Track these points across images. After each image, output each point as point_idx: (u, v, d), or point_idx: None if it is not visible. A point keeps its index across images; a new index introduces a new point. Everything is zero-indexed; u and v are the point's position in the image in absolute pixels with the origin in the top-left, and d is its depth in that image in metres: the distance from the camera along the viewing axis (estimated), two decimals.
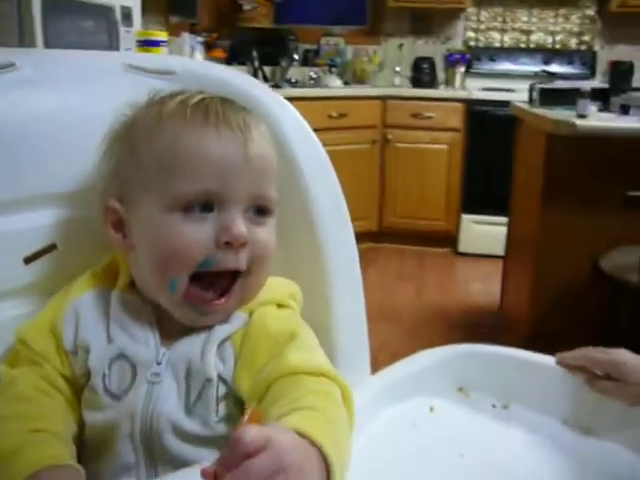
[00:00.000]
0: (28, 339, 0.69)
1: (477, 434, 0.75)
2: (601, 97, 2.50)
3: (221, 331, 0.67)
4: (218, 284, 0.66)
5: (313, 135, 0.86)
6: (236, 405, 0.66)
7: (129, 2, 2.42)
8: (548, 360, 0.81)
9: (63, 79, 0.78)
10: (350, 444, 0.59)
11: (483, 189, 3.94)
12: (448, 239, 4.13)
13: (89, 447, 0.67)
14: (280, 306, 0.71)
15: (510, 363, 0.83)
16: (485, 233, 3.94)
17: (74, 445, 0.65)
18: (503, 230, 2.96)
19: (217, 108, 0.66)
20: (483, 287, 3.48)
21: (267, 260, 0.68)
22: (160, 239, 0.65)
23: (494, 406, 0.80)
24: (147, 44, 2.40)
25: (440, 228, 4.13)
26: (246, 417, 0.48)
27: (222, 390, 0.66)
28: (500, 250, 3.00)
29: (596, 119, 2.18)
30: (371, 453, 0.70)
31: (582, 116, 2.15)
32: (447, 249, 4.15)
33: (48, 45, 1.88)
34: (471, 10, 4.46)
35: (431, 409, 0.79)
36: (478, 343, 0.88)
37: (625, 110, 2.31)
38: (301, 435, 0.51)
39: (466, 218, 4.06)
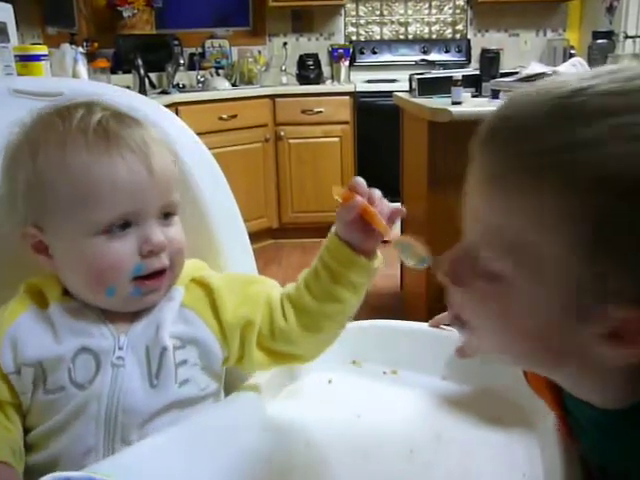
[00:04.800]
0: None
1: (371, 397, 0.84)
2: (474, 83, 2.67)
3: (168, 306, 0.77)
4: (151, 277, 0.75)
5: (197, 139, 0.92)
6: (204, 356, 0.77)
7: (2, 16, 2.37)
8: (424, 327, 0.91)
9: None
10: None
11: (376, 177, 3.98)
12: None
13: (51, 436, 0.72)
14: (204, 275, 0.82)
15: (395, 334, 0.92)
16: None
17: (14, 454, 0.69)
18: None
19: (115, 130, 0.71)
20: (384, 271, 3.57)
21: (182, 252, 0.77)
22: (88, 261, 0.72)
23: (384, 373, 0.89)
24: (26, 59, 2.36)
25: None
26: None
27: (179, 357, 0.74)
28: (398, 233, 3.12)
29: (470, 105, 2.33)
30: (277, 424, 0.78)
31: (457, 103, 2.30)
32: None
33: None
34: (350, 6, 4.60)
35: (329, 381, 0.87)
36: None
37: (495, 95, 2.47)
38: None
39: None
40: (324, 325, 0.76)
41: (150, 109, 0.90)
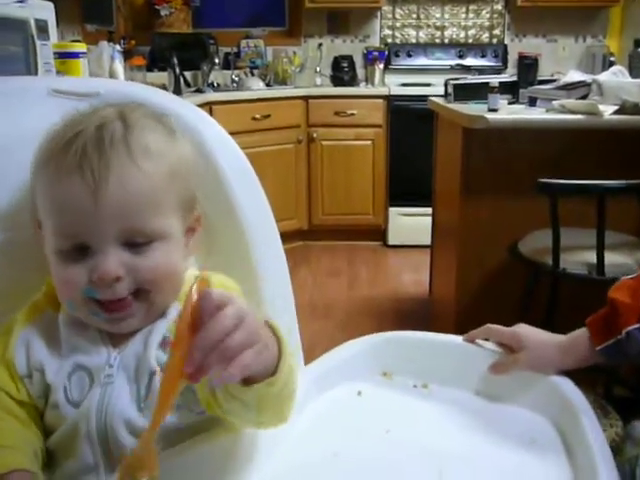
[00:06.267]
0: None
1: (401, 412, 0.83)
2: (511, 90, 2.64)
3: (160, 325, 0.72)
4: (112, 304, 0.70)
5: (233, 143, 0.91)
6: (182, 395, 0.71)
7: (44, 15, 2.39)
8: (458, 340, 0.89)
9: None
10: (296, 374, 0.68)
11: (408, 182, 4.06)
12: (377, 232, 4.24)
13: (55, 455, 0.71)
14: None
15: (427, 346, 0.90)
16: (413, 224, 4.06)
17: (36, 456, 0.69)
18: (430, 220, 3.07)
19: (86, 152, 0.67)
20: (413, 277, 3.59)
21: (162, 280, 0.70)
22: (52, 272, 0.71)
23: (415, 386, 0.88)
24: (65, 56, 2.38)
25: (369, 222, 4.23)
26: (195, 286, 0.55)
27: None
28: (428, 240, 3.11)
29: (506, 112, 2.30)
30: (306, 441, 0.77)
31: (493, 110, 2.27)
32: (377, 242, 4.26)
33: None
34: (386, 8, 4.58)
35: (359, 393, 0.86)
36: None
37: (532, 102, 2.44)
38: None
39: (393, 211, 4.18)
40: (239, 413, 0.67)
41: (184, 110, 0.89)
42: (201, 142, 0.86)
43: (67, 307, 0.73)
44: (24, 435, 0.70)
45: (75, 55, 2.40)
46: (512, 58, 4.37)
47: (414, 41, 4.65)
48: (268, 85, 4.41)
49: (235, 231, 0.87)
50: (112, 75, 3.21)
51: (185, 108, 0.92)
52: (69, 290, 0.69)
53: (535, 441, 0.76)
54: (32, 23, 2.33)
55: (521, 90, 2.58)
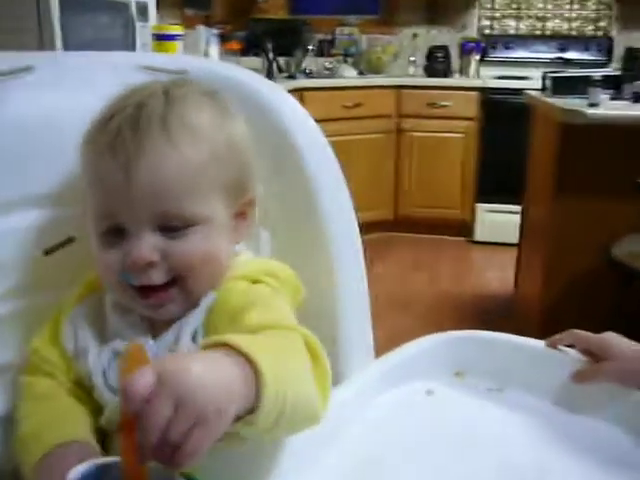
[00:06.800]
0: (38, 348, 0.73)
1: (472, 416, 0.79)
2: (615, 85, 2.51)
3: (192, 315, 0.68)
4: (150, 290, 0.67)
5: (315, 126, 0.89)
6: None
7: None
8: (539, 344, 0.84)
9: (78, 81, 0.82)
10: (303, 378, 0.58)
11: (498, 178, 3.94)
12: (464, 228, 4.15)
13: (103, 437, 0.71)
14: (254, 282, 0.70)
15: (505, 348, 0.86)
16: (501, 221, 3.95)
17: (93, 432, 0.69)
18: (518, 218, 2.99)
19: (117, 130, 0.65)
20: (498, 275, 3.49)
21: (199, 266, 0.67)
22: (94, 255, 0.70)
23: (490, 390, 0.83)
24: (163, 38, 2.44)
25: (456, 217, 4.14)
26: (125, 361, 0.47)
27: None
28: (515, 238, 3.02)
29: (607, 108, 2.18)
30: (368, 436, 0.74)
31: (594, 105, 2.16)
32: (463, 238, 4.16)
33: (66, 42, 1.93)
34: None
35: (428, 393, 0.83)
36: (488, 330, 0.90)
37: (637, 98, 2.31)
38: (219, 345, 0.50)
39: (481, 207, 4.08)
40: None
41: (272, 93, 0.88)
42: (280, 120, 0.85)
43: (109, 291, 0.72)
44: (81, 410, 0.71)
45: (172, 37, 2.46)
46: (617, 52, 4.16)
47: (513, 32, 4.50)
48: (361, 74, 4.38)
49: (311, 214, 0.86)
50: (205, 57, 3.27)
51: (268, 87, 0.91)
52: (107, 274, 0.68)
53: (620, 460, 0.71)
54: (133, 6, 2.40)
55: (625, 85, 2.45)
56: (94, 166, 0.67)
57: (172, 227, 0.65)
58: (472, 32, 4.52)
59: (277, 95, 0.89)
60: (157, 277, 0.65)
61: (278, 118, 0.86)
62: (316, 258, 0.86)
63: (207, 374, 0.46)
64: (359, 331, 0.86)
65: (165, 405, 0.43)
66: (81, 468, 0.48)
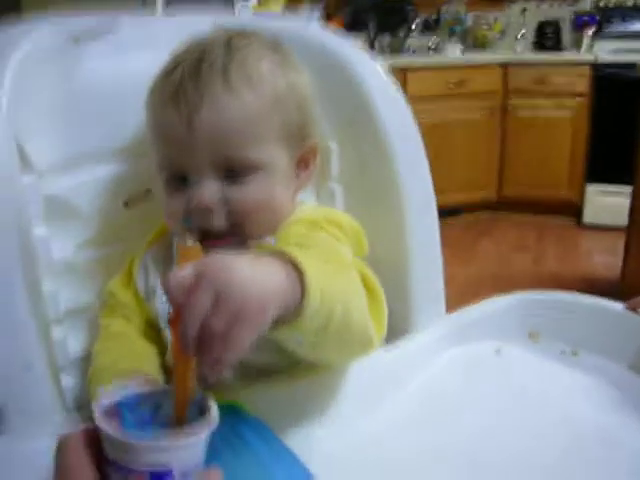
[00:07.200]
0: (114, 291, 0.78)
1: (539, 376, 0.76)
2: None
3: None
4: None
5: (391, 81, 0.88)
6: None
7: None
8: (618, 307, 0.80)
9: (158, 41, 0.86)
10: (355, 299, 0.59)
11: (610, 157, 3.75)
12: (571, 209, 3.98)
13: None
14: (315, 226, 0.70)
15: (582, 310, 0.82)
16: (612, 204, 3.75)
17: (159, 369, 0.72)
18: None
19: (179, 80, 0.67)
20: (606, 260, 3.33)
21: (257, 211, 0.68)
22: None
23: (563, 352, 0.80)
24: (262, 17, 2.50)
25: (563, 198, 3.98)
26: (180, 257, 0.48)
27: None
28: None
29: None
30: (431, 390, 0.74)
31: None
32: (570, 220, 3.99)
33: (168, 4, 1.99)
34: None
35: (497, 352, 0.81)
36: None
37: None
38: (269, 255, 0.51)
39: (591, 188, 3.89)
40: None
41: (355, 56, 0.88)
42: (356, 79, 0.85)
43: (175, 237, 0.75)
44: (150, 348, 0.74)
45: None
46: None
47: (631, 4, 4.24)
48: (466, 51, 4.28)
49: (387, 177, 0.85)
50: None
51: (352, 51, 0.90)
52: (172, 220, 0.71)
53: None
54: None
55: None
56: (158, 116, 0.70)
57: (233, 173, 0.67)
58: (586, 5, 4.30)
59: (351, 50, 0.89)
60: (217, 222, 0.67)
61: (352, 71, 0.86)
62: (389, 213, 0.86)
63: (250, 271, 0.47)
64: (430, 286, 0.85)
65: (205, 297, 0.44)
66: (114, 395, 0.49)
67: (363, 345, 0.63)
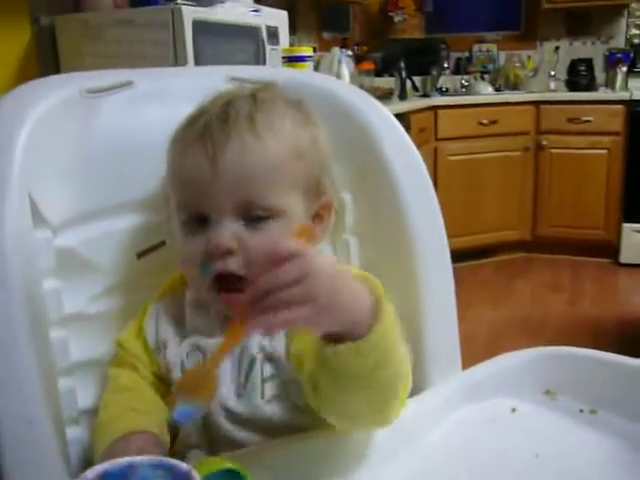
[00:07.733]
0: (124, 342, 0.78)
1: (557, 437, 0.73)
2: None
3: None
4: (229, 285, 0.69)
5: (403, 132, 0.88)
6: (284, 386, 0.70)
7: (275, 22, 2.55)
8: (638, 363, 0.78)
9: (173, 94, 0.87)
10: (402, 358, 0.62)
11: None
12: (608, 249, 3.90)
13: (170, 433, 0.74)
14: None
15: (601, 367, 0.80)
16: None
17: (165, 425, 0.71)
18: None
19: (206, 124, 0.68)
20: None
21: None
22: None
23: (581, 411, 0.77)
24: (292, 60, 2.53)
25: (599, 237, 3.91)
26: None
27: (268, 371, 0.70)
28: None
29: None
30: (444, 448, 0.72)
31: None
32: (607, 260, 3.91)
33: (198, 64, 2.04)
34: (635, 6, 4.19)
35: (513, 410, 0.78)
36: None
37: None
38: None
39: (628, 227, 3.82)
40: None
41: (355, 97, 0.89)
42: (371, 131, 0.85)
43: (190, 286, 0.75)
44: (158, 403, 0.74)
45: (301, 59, 2.54)
46: None
47: None
48: (498, 90, 4.28)
49: (398, 222, 0.84)
50: (337, 78, 3.33)
51: (360, 98, 0.91)
52: (188, 265, 0.71)
53: None
54: (263, 29, 2.49)
55: None
56: (181, 158, 0.70)
57: (253, 217, 0.68)
58: (620, 42, 4.28)
59: (364, 101, 0.89)
60: (234, 265, 0.67)
61: (366, 124, 0.86)
62: (403, 265, 0.85)
63: (338, 274, 0.54)
64: (444, 342, 0.84)
65: (290, 271, 0.50)
66: (99, 467, 0.49)
67: (390, 407, 0.64)
